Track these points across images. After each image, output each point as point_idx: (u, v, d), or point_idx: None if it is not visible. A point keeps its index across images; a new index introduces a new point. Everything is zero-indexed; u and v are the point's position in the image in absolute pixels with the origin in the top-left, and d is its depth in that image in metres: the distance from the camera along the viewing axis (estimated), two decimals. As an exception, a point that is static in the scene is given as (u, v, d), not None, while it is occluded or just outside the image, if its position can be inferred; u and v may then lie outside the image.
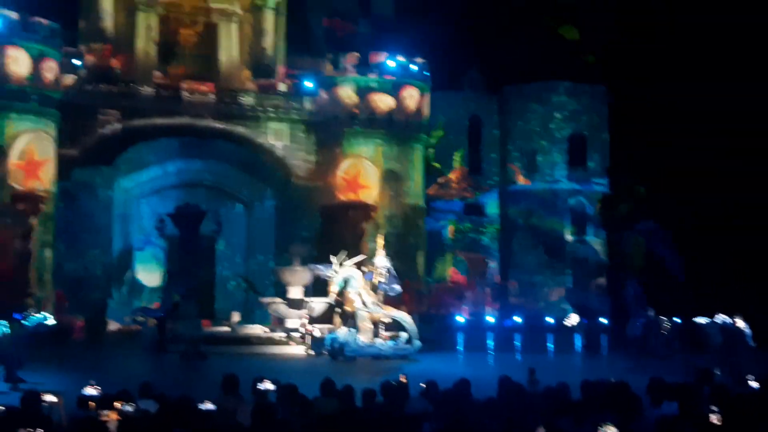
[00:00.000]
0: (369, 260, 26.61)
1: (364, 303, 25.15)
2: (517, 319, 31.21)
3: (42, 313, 18.37)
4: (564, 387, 11.08)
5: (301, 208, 32.88)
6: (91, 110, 30.87)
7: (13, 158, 28.44)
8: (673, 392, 10.39)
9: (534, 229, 38.25)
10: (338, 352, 24.46)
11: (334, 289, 25.42)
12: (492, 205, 39.12)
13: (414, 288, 31.29)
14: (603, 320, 30.12)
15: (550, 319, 30.51)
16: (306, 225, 32.72)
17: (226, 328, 28.79)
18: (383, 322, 25.61)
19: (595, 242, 38.50)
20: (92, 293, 29.71)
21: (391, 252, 27.08)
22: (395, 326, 25.84)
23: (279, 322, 28.36)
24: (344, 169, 32.84)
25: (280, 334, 27.41)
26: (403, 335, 25.32)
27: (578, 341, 29.23)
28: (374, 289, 25.61)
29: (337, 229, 31.90)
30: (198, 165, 33.23)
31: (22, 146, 28.59)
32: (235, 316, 29.51)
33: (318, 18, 36.85)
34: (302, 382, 11.22)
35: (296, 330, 26.84)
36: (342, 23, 37.16)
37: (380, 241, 26.68)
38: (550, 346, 29.22)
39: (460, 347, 29.10)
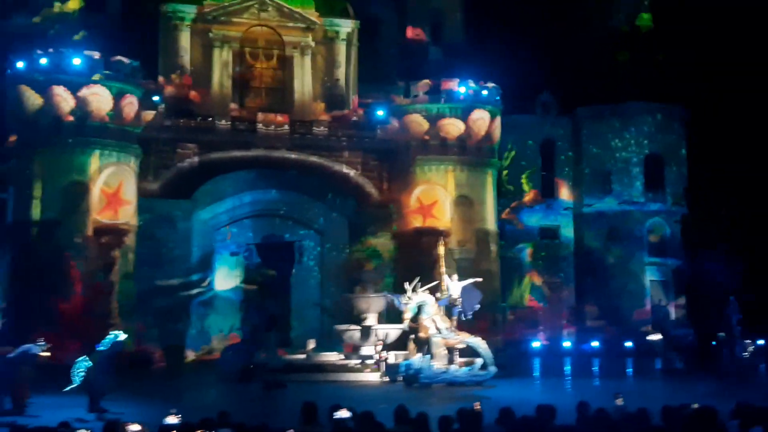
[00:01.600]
0: (443, 286, 26.47)
1: (438, 329, 25.02)
2: (595, 343, 30.67)
3: (112, 332, 18.59)
4: (643, 413, 10.85)
5: (374, 235, 33.10)
6: (171, 144, 31.79)
7: (96, 193, 29.37)
8: (762, 417, 10.05)
9: (610, 252, 37.64)
10: (413, 378, 24.34)
11: (407, 315, 25.34)
12: (567, 228, 38.68)
13: (489, 314, 31.06)
14: (682, 342, 29.43)
15: (628, 343, 29.88)
16: (380, 251, 32.88)
17: (301, 356, 29.01)
18: (457, 348, 25.43)
19: (675, 264, 37.67)
20: (171, 323, 30.35)
21: (465, 277, 26.89)
22: (470, 352, 25.63)
23: (353, 349, 28.42)
24: (417, 195, 33.00)
25: (354, 362, 27.46)
26: (478, 361, 25.09)
27: (657, 364, 28.55)
28: (449, 314, 25.48)
29: (411, 255, 31.99)
30: (272, 195, 33.85)
31: (105, 181, 29.52)
32: (311, 344, 29.72)
33: (389, 47, 37.22)
34: (377, 409, 11.25)
35: (370, 357, 26.87)
36: (416, 37, 37.31)
37: (442, 267, 26.36)
38: (629, 370, 28.63)
39: (536, 373, 28.75)
